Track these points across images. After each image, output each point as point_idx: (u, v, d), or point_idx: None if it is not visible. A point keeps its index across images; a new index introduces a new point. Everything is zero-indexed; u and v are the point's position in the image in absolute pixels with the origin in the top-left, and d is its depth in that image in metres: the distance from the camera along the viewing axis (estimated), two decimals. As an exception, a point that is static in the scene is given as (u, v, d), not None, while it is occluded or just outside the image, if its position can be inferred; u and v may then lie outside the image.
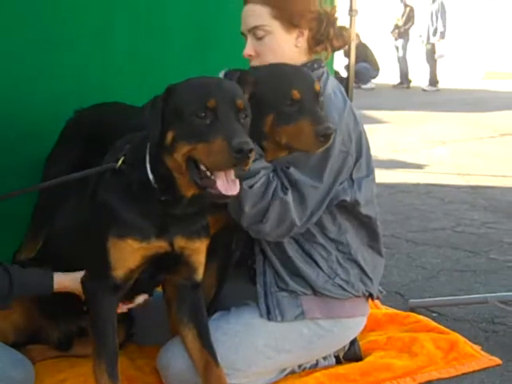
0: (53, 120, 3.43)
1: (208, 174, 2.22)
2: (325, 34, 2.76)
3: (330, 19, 2.78)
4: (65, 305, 2.76)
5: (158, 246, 2.41)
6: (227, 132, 2.15)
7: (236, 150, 2.10)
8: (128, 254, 2.39)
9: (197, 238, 2.49)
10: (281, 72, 2.62)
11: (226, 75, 2.65)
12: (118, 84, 3.68)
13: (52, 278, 2.52)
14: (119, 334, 2.54)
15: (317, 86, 2.58)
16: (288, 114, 2.52)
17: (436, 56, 16.56)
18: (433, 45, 16.51)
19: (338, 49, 2.87)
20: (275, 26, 2.72)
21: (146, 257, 2.41)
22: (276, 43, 2.73)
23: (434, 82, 16.88)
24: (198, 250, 2.51)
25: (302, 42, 2.76)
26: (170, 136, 2.24)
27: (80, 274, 2.53)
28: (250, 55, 2.77)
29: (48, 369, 2.85)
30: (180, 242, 2.45)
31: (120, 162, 2.42)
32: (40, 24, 3.49)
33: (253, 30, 2.73)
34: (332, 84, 2.77)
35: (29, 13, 3.45)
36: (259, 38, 2.73)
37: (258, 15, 2.72)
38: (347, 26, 2.85)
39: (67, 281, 2.54)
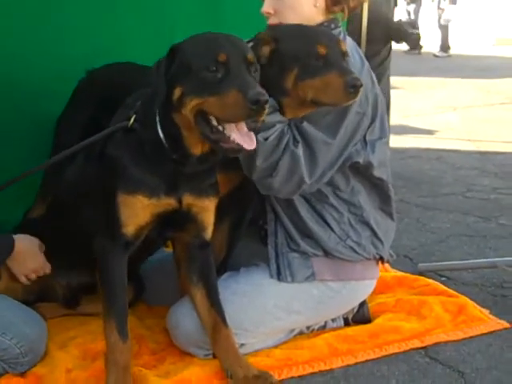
0: (64, 80, 3.41)
1: (220, 128, 2.21)
2: None
3: None
4: (69, 261, 2.79)
5: (167, 203, 2.41)
6: (241, 84, 2.14)
7: (252, 101, 2.10)
8: (138, 211, 2.39)
9: (205, 197, 2.49)
10: (305, 29, 2.61)
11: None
12: (128, 44, 3.64)
13: (12, 238, 2.59)
14: (128, 293, 2.56)
15: (343, 46, 2.56)
16: (314, 67, 2.48)
17: (442, 21, 16.38)
18: (443, 10, 16.33)
19: (354, 9, 2.83)
20: None
21: (156, 214, 2.42)
22: (296, 1, 2.70)
23: (445, 47, 16.71)
24: (206, 208, 2.51)
25: (321, 2, 2.72)
26: (177, 92, 2.23)
27: (37, 240, 2.67)
28: (269, 13, 2.73)
29: (58, 326, 2.87)
30: (188, 200, 2.45)
31: (132, 120, 2.41)
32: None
33: None
34: (349, 44, 2.74)
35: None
36: None
37: None
38: None
39: (27, 239, 2.65)
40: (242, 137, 2.21)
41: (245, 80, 2.16)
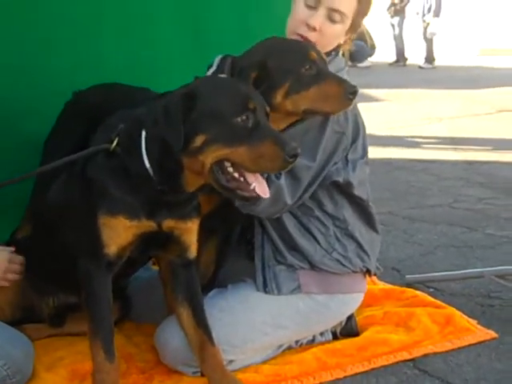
0: (49, 99, 3.40)
1: (236, 175, 2.22)
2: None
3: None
4: (53, 281, 2.79)
5: (148, 225, 2.41)
6: (275, 135, 2.18)
7: (290, 155, 2.14)
8: (120, 231, 2.38)
9: (188, 219, 2.49)
10: (289, 41, 2.65)
11: (221, 61, 2.67)
12: (112, 62, 3.65)
13: None
14: (114, 311, 2.56)
15: (322, 54, 2.61)
16: (308, 77, 2.50)
17: (428, 34, 16.51)
18: (428, 23, 16.45)
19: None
20: (348, 22, 2.72)
21: (137, 234, 2.41)
22: (337, 35, 2.74)
23: (430, 59, 16.83)
24: (188, 230, 2.51)
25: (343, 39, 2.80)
26: (199, 140, 2.20)
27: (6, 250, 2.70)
28: (314, 28, 2.67)
29: (45, 347, 2.85)
30: (170, 223, 2.44)
31: (114, 144, 2.39)
32: (37, 4, 3.45)
33: (334, 11, 2.67)
34: (339, 64, 2.79)
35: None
36: (331, 20, 2.68)
37: (347, 3, 2.69)
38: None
39: None
40: (259, 185, 2.24)
41: (275, 131, 2.21)
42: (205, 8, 3.84)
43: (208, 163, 2.21)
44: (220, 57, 2.77)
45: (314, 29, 2.67)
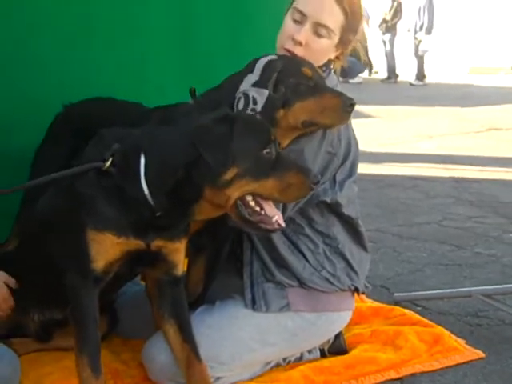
0: (37, 112, 3.41)
1: (257, 209, 2.25)
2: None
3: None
4: (40, 296, 2.77)
5: (136, 243, 2.40)
6: (297, 165, 2.27)
7: (314, 182, 2.22)
8: (107, 247, 2.37)
9: (176, 239, 2.48)
10: (283, 57, 2.66)
11: (268, 62, 2.60)
12: (102, 75, 3.66)
13: None
14: (101, 326, 2.55)
15: (319, 71, 2.64)
16: (306, 88, 2.53)
17: (420, 52, 16.61)
18: (420, 41, 16.55)
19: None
20: (336, 37, 2.73)
21: (125, 251, 2.40)
22: (327, 50, 2.75)
23: (421, 76, 16.92)
24: (177, 250, 2.51)
25: (333, 55, 2.80)
26: (232, 172, 2.20)
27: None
28: (300, 43, 2.70)
29: (32, 362, 2.83)
30: (158, 243, 2.44)
31: (108, 164, 2.36)
32: (25, 16, 3.46)
33: (320, 26, 2.69)
34: (332, 82, 2.79)
35: (14, 4, 3.43)
36: (317, 35, 2.70)
37: (333, 17, 2.70)
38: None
39: None
40: (279, 216, 2.29)
41: (294, 161, 2.31)
42: (194, 19, 3.88)
43: (234, 197, 2.23)
44: (267, 57, 2.66)
45: (300, 43, 2.70)
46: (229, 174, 2.20)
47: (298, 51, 2.71)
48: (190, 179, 2.25)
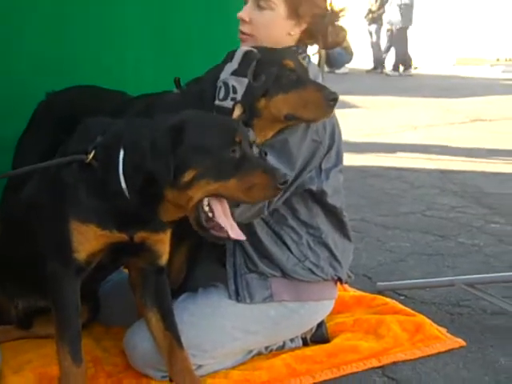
0: (19, 101, 3.39)
1: (210, 215, 2.22)
2: (321, 31, 2.77)
3: (333, 18, 2.78)
4: (21, 284, 2.76)
5: (120, 236, 2.39)
6: (264, 165, 2.23)
7: (281, 182, 2.17)
8: (90, 238, 2.36)
9: (160, 230, 2.47)
10: (262, 48, 2.62)
11: (247, 51, 2.57)
12: (79, 69, 3.65)
13: None
14: (83, 314, 2.55)
15: (304, 63, 2.61)
16: (289, 81, 2.51)
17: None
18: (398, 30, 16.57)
19: (330, 47, 2.87)
20: (280, 7, 2.70)
21: (108, 243, 2.40)
22: (272, 22, 2.71)
23: (407, 65, 16.94)
24: (161, 241, 2.50)
25: (296, 32, 2.75)
26: (190, 175, 2.18)
27: None
28: (244, 20, 2.72)
29: (13, 350, 2.83)
30: (142, 235, 2.43)
31: (90, 156, 2.35)
32: (4, 8, 3.45)
33: None
34: (313, 71, 2.76)
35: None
36: (260, 8, 2.70)
37: None
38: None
39: None
40: (231, 228, 2.24)
41: (262, 161, 2.26)
42: (171, 15, 3.86)
43: (196, 198, 2.21)
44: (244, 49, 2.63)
45: (243, 21, 2.72)
46: (186, 177, 2.19)
47: (246, 29, 2.73)
48: (151, 182, 2.24)
